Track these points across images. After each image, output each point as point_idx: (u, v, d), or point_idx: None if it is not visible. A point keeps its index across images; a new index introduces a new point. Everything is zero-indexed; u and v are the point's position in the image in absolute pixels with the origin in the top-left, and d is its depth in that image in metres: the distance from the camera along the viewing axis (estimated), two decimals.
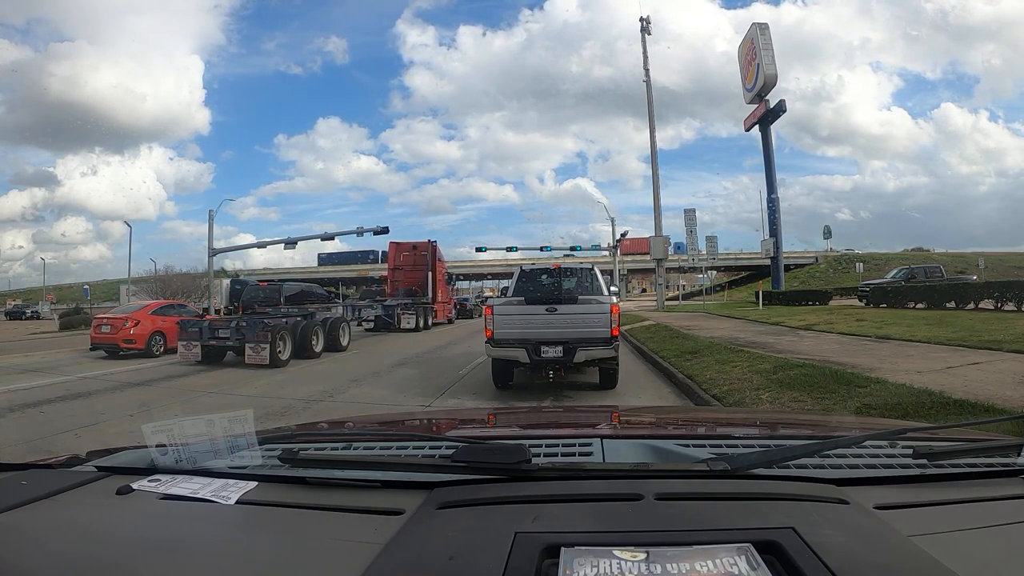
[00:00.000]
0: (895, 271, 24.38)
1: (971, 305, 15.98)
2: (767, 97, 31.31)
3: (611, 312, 6.42)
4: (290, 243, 37.18)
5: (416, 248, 20.00)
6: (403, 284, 19.39)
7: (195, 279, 37.55)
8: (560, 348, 6.29)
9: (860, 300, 22.09)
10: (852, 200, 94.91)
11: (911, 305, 17.94)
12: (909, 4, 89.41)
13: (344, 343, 12.44)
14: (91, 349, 12.42)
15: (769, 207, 32.03)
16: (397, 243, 20.93)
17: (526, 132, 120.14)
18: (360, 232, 37.14)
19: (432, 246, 19.49)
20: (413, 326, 17.38)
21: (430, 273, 18.82)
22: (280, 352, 9.90)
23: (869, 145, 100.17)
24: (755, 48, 32.01)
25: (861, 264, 40.00)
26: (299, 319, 11.21)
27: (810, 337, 10.84)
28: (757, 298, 24.65)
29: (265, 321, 10.40)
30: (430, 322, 18.71)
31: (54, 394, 7.49)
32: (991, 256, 42.76)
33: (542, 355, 6.31)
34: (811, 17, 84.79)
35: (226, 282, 43.60)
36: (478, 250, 39.66)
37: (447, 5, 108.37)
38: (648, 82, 30.48)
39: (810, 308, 21.02)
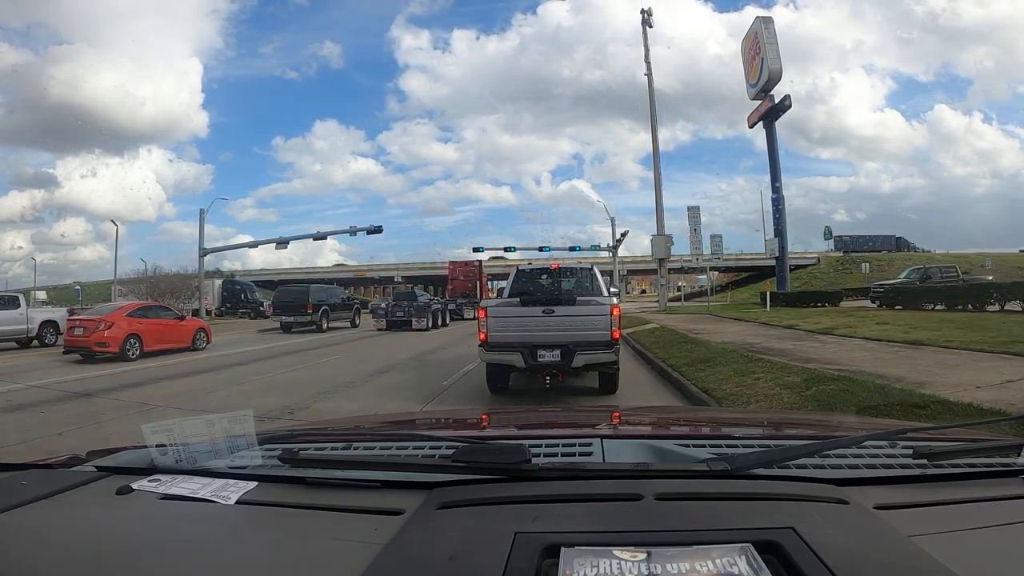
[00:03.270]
0: (907, 271, 23.40)
1: (994, 307, 15.05)
2: (772, 92, 30.32)
3: (611, 314, 6.08)
4: (282, 243, 36.48)
5: (467, 264, 28.61)
6: (459, 289, 26.77)
7: (185, 279, 36.41)
8: (558, 352, 5.94)
9: (872, 301, 21.14)
10: (848, 201, 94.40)
11: (929, 307, 17.00)
12: (900, 7, 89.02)
13: (448, 322, 21.21)
14: (64, 352, 12.01)
15: (774, 206, 31.20)
16: (454, 261, 29.71)
17: (522, 134, 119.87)
18: (353, 231, 36.57)
19: (479, 263, 28.41)
20: (472, 317, 26.48)
21: (478, 281, 26.64)
22: (429, 323, 19.18)
23: (863, 147, 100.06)
24: (759, 43, 31.18)
25: (867, 264, 39.04)
26: (427, 307, 19.94)
27: (832, 342, 9.90)
28: (763, 299, 23.70)
29: (424, 307, 19.49)
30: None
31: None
32: (991, 257, 41.65)
33: (539, 359, 5.98)
34: (803, 20, 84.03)
35: (218, 282, 42.38)
36: (475, 250, 39.85)
37: (441, 10, 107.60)
38: (650, 75, 29.76)
39: (821, 310, 20.21)
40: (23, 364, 11.44)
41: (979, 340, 8.69)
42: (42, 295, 49.67)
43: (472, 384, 7.49)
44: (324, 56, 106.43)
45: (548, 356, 5.95)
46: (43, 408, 6.66)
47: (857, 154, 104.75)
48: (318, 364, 10.91)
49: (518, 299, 6.41)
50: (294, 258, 78.09)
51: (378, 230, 33.72)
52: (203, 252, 37.07)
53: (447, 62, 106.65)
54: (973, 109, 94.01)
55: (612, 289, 7.49)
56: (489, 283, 36.77)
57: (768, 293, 22.80)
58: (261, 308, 34.01)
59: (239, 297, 38.79)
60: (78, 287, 52.83)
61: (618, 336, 6.19)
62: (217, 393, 7.78)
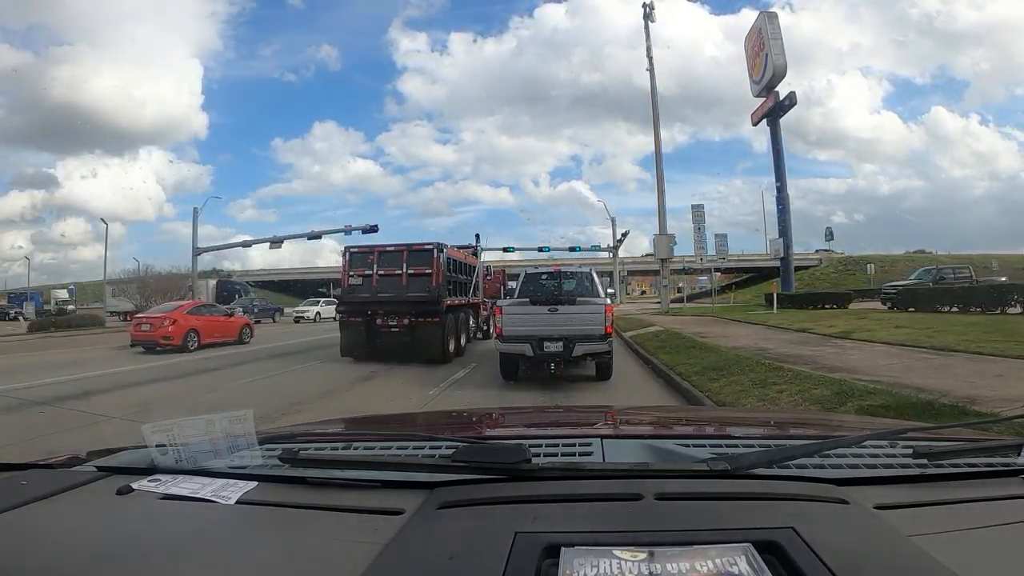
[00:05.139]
0: (919, 272, 22.56)
1: (1016, 309, 14.29)
2: (776, 89, 29.51)
3: (605, 312, 6.99)
4: (276, 243, 35.84)
5: (495, 272, 32.04)
6: (489, 291, 32.51)
7: (177, 279, 35.52)
8: (560, 344, 6.85)
9: (883, 303, 20.32)
10: (846, 203, 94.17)
11: (944, 309, 16.26)
12: (895, 9, 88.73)
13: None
14: (131, 346, 13.68)
15: (778, 205, 30.34)
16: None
17: (520, 136, 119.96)
18: (348, 231, 35.91)
19: (503, 270, 30.48)
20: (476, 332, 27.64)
21: (502, 287, 29.50)
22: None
23: (861, 149, 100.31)
24: (763, 38, 30.45)
25: (872, 266, 38.29)
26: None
27: (853, 348, 9.11)
28: (769, 301, 22.98)
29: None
30: None
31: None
32: (993, 258, 40.92)
33: (544, 350, 6.90)
34: (800, 23, 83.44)
35: (212, 282, 41.54)
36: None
37: (438, 13, 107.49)
38: (651, 70, 28.99)
39: (831, 312, 19.44)
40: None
41: (1014, 346, 7.95)
42: (64, 294, 49.39)
43: None
44: (322, 58, 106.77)
45: (552, 347, 6.88)
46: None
47: (855, 156, 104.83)
48: None
49: (528, 299, 7.40)
50: (293, 259, 77.96)
51: (373, 229, 33.05)
52: (196, 251, 36.37)
53: (445, 64, 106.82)
54: (970, 111, 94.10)
55: (609, 291, 8.29)
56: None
57: (775, 294, 21.93)
58: (256, 309, 33.70)
59: (233, 297, 38.10)
60: (71, 287, 52.17)
61: (611, 331, 7.16)
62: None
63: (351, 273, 10.54)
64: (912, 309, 17.67)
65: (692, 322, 17.25)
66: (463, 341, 11.28)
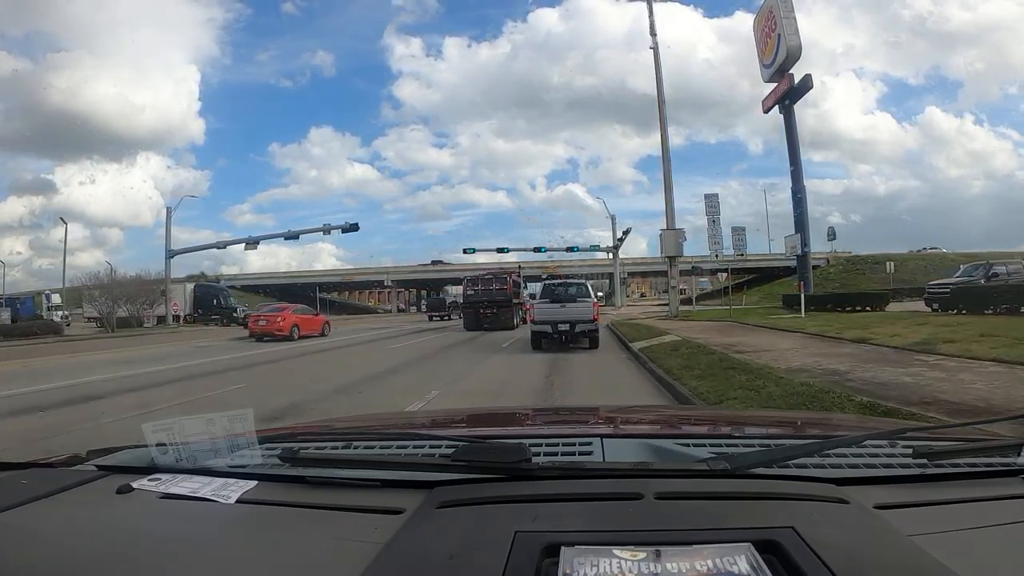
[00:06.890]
0: (964, 268, 20.03)
1: None
2: (791, 71, 26.93)
3: (593, 307, 12.31)
4: (251, 243, 33.88)
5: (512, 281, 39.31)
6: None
7: (148, 284, 32.88)
8: (567, 325, 11.87)
9: (928, 304, 17.76)
10: (843, 204, 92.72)
11: (1003, 310, 13.84)
12: (888, 11, 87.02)
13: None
14: (250, 336, 18.31)
15: (795, 199, 27.59)
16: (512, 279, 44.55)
17: (516, 139, 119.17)
18: (327, 230, 33.75)
19: (516, 279, 37.78)
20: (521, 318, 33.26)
21: (518, 290, 34.74)
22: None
23: (855, 150, 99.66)
24: (775, 18, 28.08)
25: (891, 263, 35.85)
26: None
27: (959, 368, 6.51)
28: (788, 303, 20.43)
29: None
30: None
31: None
32: (995, 256, 38.62)
33: (558, 329, 11.89)
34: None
35: (190, 287, 38.61)
36: (465, 251, 41.37)
37: (432, 18, 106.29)
38: (656, 49, 26.51)
39: (870, 316, 16.94)
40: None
41: None
42: (56, 298, 48.44)
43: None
44: (318, 64, 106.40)
45: (562, 327, 11.87)
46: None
47: (850, 157, 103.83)
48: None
49: (548, 299, 12.65)
50: (292, 263, 76.66)
51: (354, 228, 31.54)
52: (170, 254, 34.21)
53: (440, 69, 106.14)
54: (964, 111, 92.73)
55: (598, 293, 14.29)
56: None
57: (802, 296, 19.23)
58: (235, 314, 31.28)
59: (212, 303, 35.88)
60: (47, 292, 50.38)
61: (597, 318, 12.39)
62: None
63: (468, 288, 22.46)
64: (964, 311, 15.16)
65: (712, 329, 14.78)
66: (518, 321, 21.22)
